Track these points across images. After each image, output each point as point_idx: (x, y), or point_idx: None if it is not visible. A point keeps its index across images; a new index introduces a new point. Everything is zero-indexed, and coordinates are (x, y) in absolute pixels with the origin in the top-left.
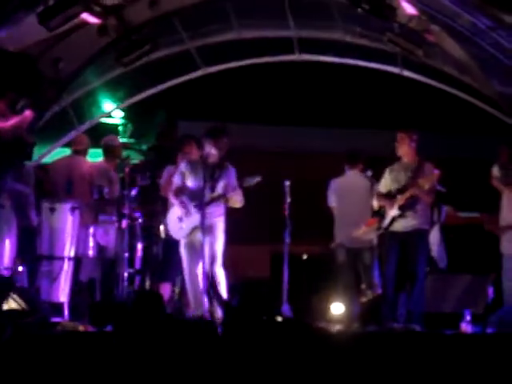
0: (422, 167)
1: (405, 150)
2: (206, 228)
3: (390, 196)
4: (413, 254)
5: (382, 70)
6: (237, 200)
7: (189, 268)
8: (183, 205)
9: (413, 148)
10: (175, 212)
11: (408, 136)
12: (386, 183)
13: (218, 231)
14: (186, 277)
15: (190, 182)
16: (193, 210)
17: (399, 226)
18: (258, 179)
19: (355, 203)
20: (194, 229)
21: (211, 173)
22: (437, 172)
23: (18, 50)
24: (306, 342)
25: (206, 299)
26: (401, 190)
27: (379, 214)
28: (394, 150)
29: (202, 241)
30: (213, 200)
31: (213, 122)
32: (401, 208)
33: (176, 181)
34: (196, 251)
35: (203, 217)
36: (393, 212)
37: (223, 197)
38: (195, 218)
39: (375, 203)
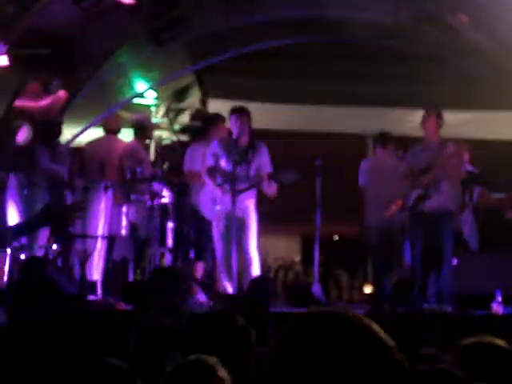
0: (445, 146)
1: (429, 129)
2: (239, 211)
3: (413, 176)
4: (439, 234)
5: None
6: (270, 192)
7: (222, 250)
8: (219, 187)
9: (437, 127)
10: (209, 193)
11: (432, 115)
12: (409, 163)
13: (251, 213)
14: (219, 258)
15: (224, 163)
16: (227, 194)
17: (424, 206)
18: (294, 178)
19: (386, 184)
20: (227, 212)
21: (244, 154)
22: (463, 147)
23: (52, 30)
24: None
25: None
26: (425, 170)
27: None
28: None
29: (235, 224)
30: (247, 189)
31: (244, 101)
32: (425, 187)
33: (208, 161)
34: (230, 234)
35: (235, 202)
36: (417, 192)
37: (257, 186)
38: (229, 201)
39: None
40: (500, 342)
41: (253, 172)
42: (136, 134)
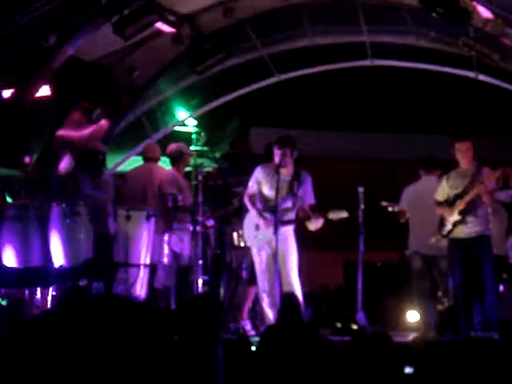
0: (480, 172)
1: (468, 156)
2: (280, 239)
3: (448, 203)
4: (478, 260)
5: (456, 75)
6: (315, 226)
7: (266, 279)
8: (261, 216)
9: (470, 155)
10: (252, 219)
11: (466, 141)
12: (443, 191)
13: (291, 241)
14: (262, 287)
15: (266, 190)
16: (270, 223)
17: (461, 232)
18: (344, 215)
19: (430, 209)
20: (269, 241)
21: (289, 186)
22: (500, 170)
23: (93, 59)
24: (383, 352)
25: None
26: (460, 196)
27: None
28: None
29: (276, 251)
30: (293, 222)
31: (284, 129)
32: (461, 213)
33: (251, 187)
34: (271, 260)
35: (277, 231)
36: (453, 218)
37: (304, 221)
38: (271, 230)
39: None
40: None
41: (297, 203)
42: (173, 162)
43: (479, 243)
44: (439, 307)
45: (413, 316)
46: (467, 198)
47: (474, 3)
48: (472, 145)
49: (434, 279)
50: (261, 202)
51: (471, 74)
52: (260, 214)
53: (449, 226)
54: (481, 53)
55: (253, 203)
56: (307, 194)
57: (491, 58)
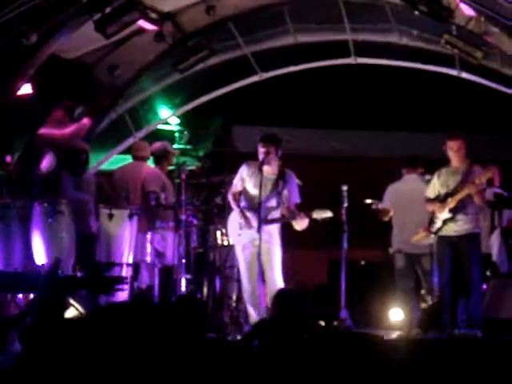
0: (472, 170)
1: (459, 154)
2: (264, 238)
3: (439, 200)
4: (467, 258)
5: (439, 73)
6: (301, 225)
7: (248, 277)
8: (243, 215)
9: (462, 153)
10: (236, 217)
11: (462, 142)
12: (434, 188)
13: (276, 240)
14: (245, 285)
15: (250, 188)
16: (253, 222)
17: (451, 230)
18: (328, 215)
19: (413, 208)
20: (252, 240)
21: (273, 185)
22: (491, 170)
23: (75, 57)
24: (364, 352)
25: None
26: (451, 194)
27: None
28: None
29: (259, 251)
30: (278, 221)
31: (268, 127)
32: (451, 211)
33: (235, 185)
34: (254, 259)
35: (260, 229)
36: (443, 215)
37: (290, 220)
38: (254, 228)
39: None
40: None
41: (281, 202)
42: (157, 160)
43: (468, 241)
44: (423, 305)
45: (396, 314)
46: (458, 196)
47: (457, 1)
48: (464, 143)
49: (418, 277)
50: (245, 199)
51: (454, 72)
52: (242, 212)
53: (439, 224)
54: (463, 51)
55: (236, 201)
56: (293, 194)
57: (474, 56)
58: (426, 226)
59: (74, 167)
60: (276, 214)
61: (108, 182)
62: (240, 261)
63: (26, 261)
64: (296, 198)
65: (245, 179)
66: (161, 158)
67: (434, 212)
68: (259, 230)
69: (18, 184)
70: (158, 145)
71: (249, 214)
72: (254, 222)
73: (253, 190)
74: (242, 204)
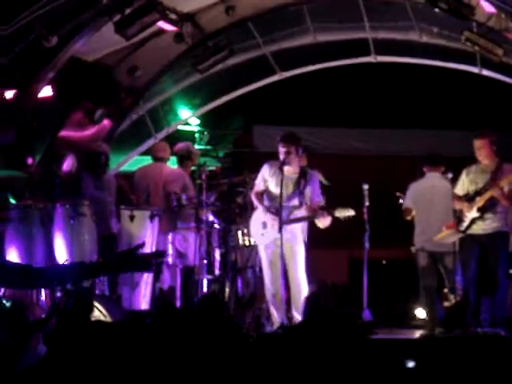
0: (501, 168)
1: (483, 153)
2: (287, 237)
3: (467, 198)
4: (493, 257)
5: (460, 70)
6: (323, 224)
7: (270, 275)
8: (269, 212)
9: (492, 151)
10: (258, 217)
11: (486, 140)
12: (463, 185)
13: (299, 238)
14: (267, 285)
15: (272, 188)
16: (277, 222)
17: (479, 228)
18: (351, 214)
19: (436, 206)
20: (275, 239)
21: (295, 184)
22: None
23: (95, 59)
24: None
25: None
26: (479, 192)
27: (459, 216)
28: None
29: (281, 250)
30: (301, 220)
31: (288, 126)
32: (480, 210)
33: (258, 185)
34: (277, 259)
35: (282, 228)
36: (472, 214)
37: (312, 218)
38: (277, 228)
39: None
40: None
41: (304, 201)
42: (180, 161)
43: (495, 239)
44: (446, 304)
45: (419, 313)
46: (486, 195)
47: None
48: (488, 141)
49: (440, 276)
50: (268, 199)
51: (475, 69)
52: (267, 210)
53: (467, 222)
54: (484, 48)
55: (260, 200)
56: (315, 193)
57: (495, 53)
58: (449, 224)
59: (94, 169)
60: (299, 214)
61: (128, 184)
62: (263, 260)
63: (49, 263)
64: (318, 197)
65: (267, 179)
66: (184, 158)
67: (462, 211)
68: (280, 229)
69: (39, 186)
70: (181, 145)
71: (271, 214)
72: (277, 222)
73: (275, 190)
74: (266, 203)
